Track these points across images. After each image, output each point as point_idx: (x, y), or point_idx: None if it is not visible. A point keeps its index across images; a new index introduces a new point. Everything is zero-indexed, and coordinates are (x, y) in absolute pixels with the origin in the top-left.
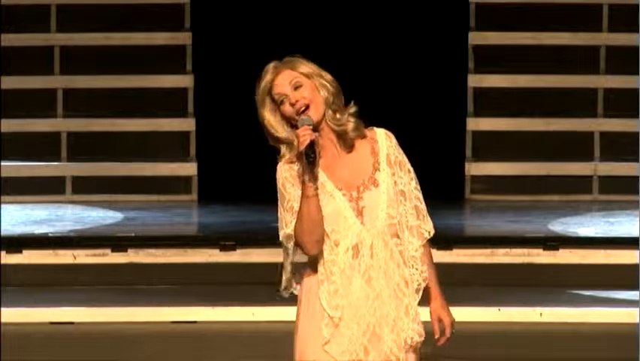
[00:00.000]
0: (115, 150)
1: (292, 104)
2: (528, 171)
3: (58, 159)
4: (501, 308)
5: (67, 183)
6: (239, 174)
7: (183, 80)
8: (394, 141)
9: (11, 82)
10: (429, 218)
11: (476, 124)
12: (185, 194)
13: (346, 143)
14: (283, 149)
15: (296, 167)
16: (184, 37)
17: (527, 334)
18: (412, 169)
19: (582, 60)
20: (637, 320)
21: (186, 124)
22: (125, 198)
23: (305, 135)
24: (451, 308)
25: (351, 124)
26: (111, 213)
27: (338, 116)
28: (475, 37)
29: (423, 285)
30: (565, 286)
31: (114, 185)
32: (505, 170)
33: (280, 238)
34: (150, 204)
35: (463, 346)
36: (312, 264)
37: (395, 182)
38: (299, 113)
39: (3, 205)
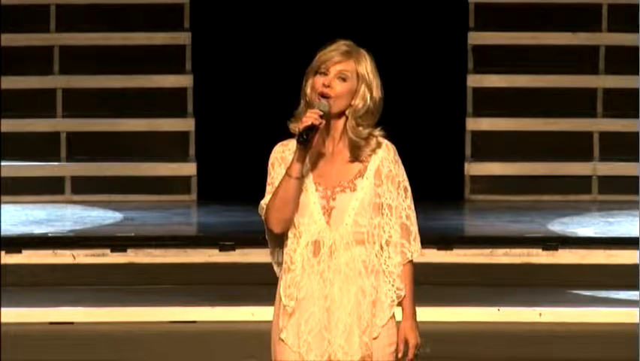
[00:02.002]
0: (114, 150)
1: (324, 85)
2: (528, 171)
3: (58, 159)
4: (500, 308)
5: (67, 183)
6: (238, 174)
7: (183, 80)
8: (392, 155)
9: (11, 82)
10: (418, 240)
11: (476, 124)
12: (184, 194)
13: (353, 152)
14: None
15: (287, 151)
16: (184, 37)
17: (527, 334)
18: (408, 188)
19: (582, 60)
20: (637, 320)
21: (186, 124)
22: (124, 198)
23: (309, 117)
24: (450, 308)
25: (368, 147)
26: (110, 213)
27: (360, 129)
28: (475, 37)
29: (396, 302)
30: (565, 286)
31: (114, 185)
32: (504, 170)
33: (258, 210)
34: (150, 204)
35: (462, 346)
36: (280, 258)
37: (378, 194)
38: (322, 95)
39: (3, 205)
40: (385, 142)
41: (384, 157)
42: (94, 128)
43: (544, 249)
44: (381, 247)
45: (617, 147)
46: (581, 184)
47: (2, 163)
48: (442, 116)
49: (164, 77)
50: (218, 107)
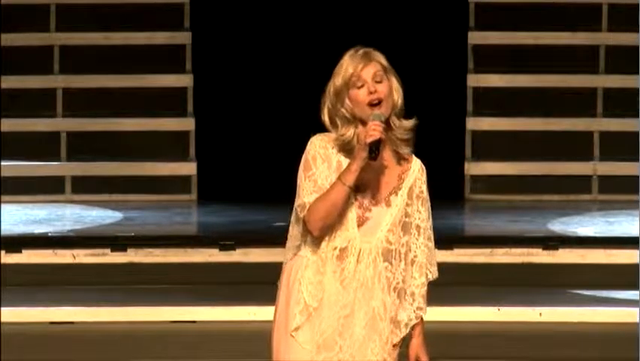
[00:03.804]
0: (114, 149)
1: (371, 92)
2: (528, 170)
3: (58, 159)
4: (500, 308)
5: (67, 182)
6: (238, 173)
7: (183, 80)
8: (425, 176)
9: (11, 82)
10: (435, 262)
11: (476, 124)
12: (184, 194)
13: (399, 150)
14: (340, 129)
15: (330, 147)
16: (184, 37)
17: (527, 334)
18: (430, 210)
19: (582, 60)
20: (637, 320)
21: (186, 124)
22: (124, 198)
23: (376, 130)
24: (450, 308)
25: (409, 137)
26: (111, 212)
27: (404, 122)
28: (475, 37)
29: (414, 321)
30: (565, 285)
31: (114, 185)
32: (504, 170)
33: (295, 205)
34: (150, 204)
35: (462, 346)
36: (300, 250)
37: (407, 213)
38: (371, 104)
39: (3, 205)
40: (420, 163)
41: (418, 177)
42: (94, 128)
43: (544, 249)
44: (406, 266)
45: (617, 146)
46: (581, 184)
47: (2, 163)
48: (442, 116)
49: (164, 76)
50: (218, 107)
